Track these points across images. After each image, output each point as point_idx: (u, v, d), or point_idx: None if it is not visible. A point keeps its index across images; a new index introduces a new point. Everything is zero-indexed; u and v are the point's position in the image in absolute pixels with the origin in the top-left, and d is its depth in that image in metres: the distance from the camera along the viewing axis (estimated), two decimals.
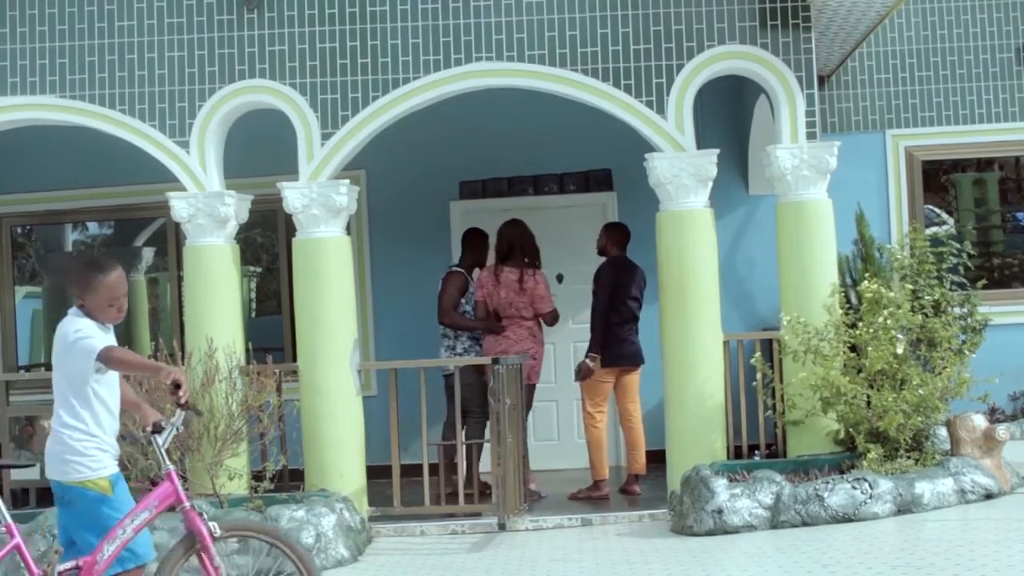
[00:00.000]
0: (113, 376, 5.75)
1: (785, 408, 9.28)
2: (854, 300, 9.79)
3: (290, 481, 9.67)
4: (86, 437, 5.62)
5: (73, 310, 5.70)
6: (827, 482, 8.50)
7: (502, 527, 9.03)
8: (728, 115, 11.67)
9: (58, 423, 5.65)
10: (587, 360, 10.22)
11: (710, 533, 8.44)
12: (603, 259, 10.58)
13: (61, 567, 5.60)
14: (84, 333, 5.58)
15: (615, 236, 10.56)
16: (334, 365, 9.39)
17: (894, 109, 12.09)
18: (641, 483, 10.36)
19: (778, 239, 9.55)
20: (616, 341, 10.28)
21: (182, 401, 5.53)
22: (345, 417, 9.39)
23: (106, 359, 5.54)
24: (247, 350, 9.42)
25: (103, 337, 5.63)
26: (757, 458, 9.65)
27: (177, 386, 5.48)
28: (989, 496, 8.67)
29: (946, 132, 12.08)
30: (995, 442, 8.95)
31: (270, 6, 9.57)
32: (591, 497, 10.17)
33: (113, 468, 5.67)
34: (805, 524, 8.36)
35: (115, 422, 5.77)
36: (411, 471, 9.77)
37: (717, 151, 9.44)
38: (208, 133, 9.55)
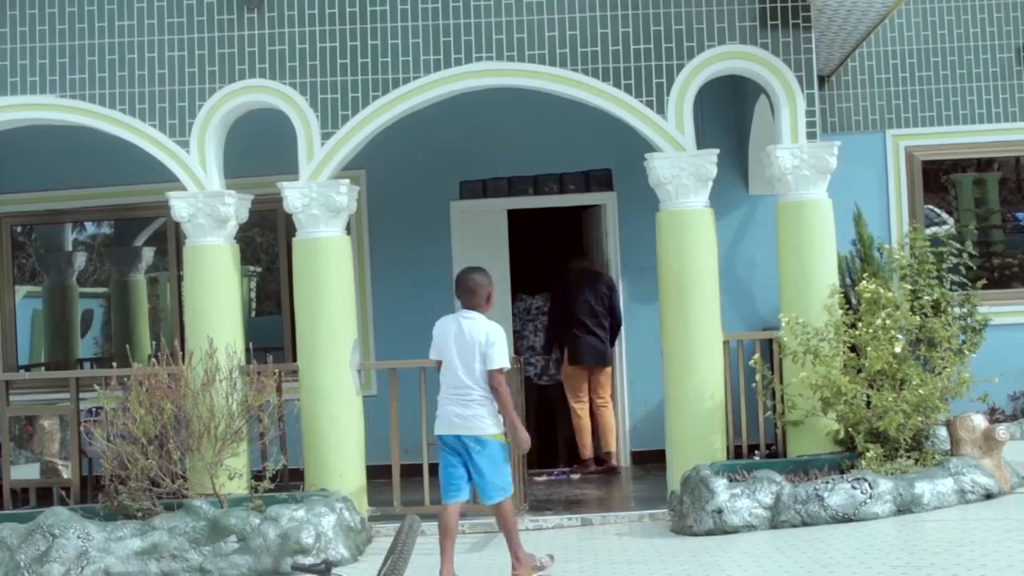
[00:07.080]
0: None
1: (785, 408, 9.28)
2: (853, 300, 9.79)
3: (290, 481, 9.68)
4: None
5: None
6: (827, 482, 8.50)
7: None
8: (728, 115, 11.67)
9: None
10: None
11: (710, 533, 8.45)
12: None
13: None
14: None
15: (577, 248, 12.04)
16: (334, 365, 9.39)
17: (894, 109, 12.08)
18: (615, 458, 11.61)
19: (778, 239, 9.55)
20: (572, 341, 11.49)
21: None
22: (345, 417, 9.39)
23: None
24: (247, 350, 9.42)
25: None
26: (757, 458, 9.65)
27: None
28: (989, 496, 8.68)
29: (946, 132, 12.07)
30: (995, 442, 8.95)
31: (270, 6, 9.57)
32: (577, 471, 11.54)
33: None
34: (805, 524, 8.37)
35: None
36: (411, 471, 9.77)
37: (717, 151, 9.44)
38: (208, 133, 9.56)
